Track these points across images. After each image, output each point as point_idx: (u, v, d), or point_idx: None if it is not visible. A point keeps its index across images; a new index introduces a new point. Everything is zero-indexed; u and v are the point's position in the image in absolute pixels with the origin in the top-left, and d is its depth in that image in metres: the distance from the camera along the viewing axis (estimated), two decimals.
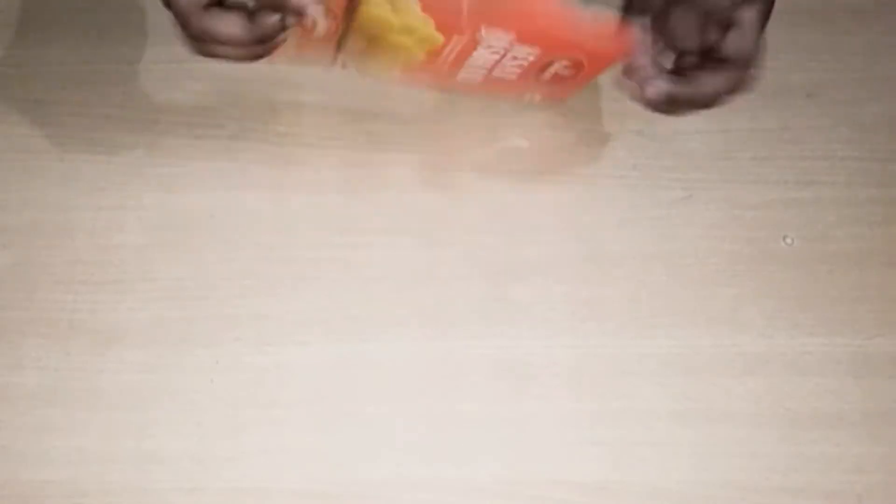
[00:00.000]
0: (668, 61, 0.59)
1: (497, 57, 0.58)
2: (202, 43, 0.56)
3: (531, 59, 0.58)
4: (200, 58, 0.74)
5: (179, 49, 0.75)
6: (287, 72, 0.74)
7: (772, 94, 0.73)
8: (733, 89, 0.57)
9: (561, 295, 0.63)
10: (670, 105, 0.58)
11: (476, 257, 0.64)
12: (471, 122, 0.70)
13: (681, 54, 0.58)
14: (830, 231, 0.66)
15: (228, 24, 0.54)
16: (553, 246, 0.65)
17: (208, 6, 0.55)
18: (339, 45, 0.59)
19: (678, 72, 0.57)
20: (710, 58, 0.56)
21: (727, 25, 0.55)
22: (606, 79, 0.74)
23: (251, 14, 0.54)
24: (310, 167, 0.68)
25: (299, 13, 0.53)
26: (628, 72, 0.57)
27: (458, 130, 0.70)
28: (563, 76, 0.61)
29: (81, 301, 0.62)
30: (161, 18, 0.77)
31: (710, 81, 0.56)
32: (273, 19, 0.54)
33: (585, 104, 0.71)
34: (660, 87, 0.57)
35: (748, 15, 0.54)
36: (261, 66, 0.74)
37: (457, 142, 0.69)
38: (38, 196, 0.67)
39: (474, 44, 0.57)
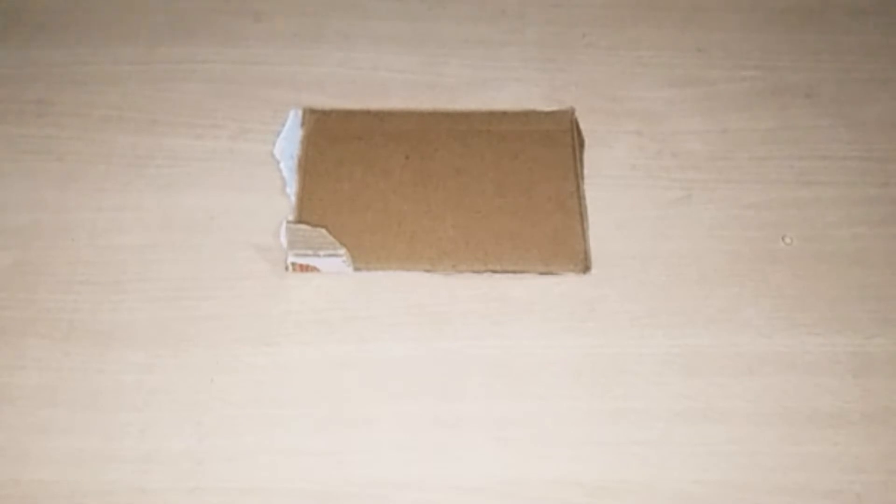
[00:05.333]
0: None
1: None
2: None
3: None
4: (200, 58, 0.75)
5: (179, 49, 0.75)
6: (287, 73, 0.74)
7: (772, 94, 0.73)
8: None
9: (561, 295, 0.63)
10: None
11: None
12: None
13: None
14: (830, 231, 0.66)
15: None
16: None
17: None
18: None
19: None
20: None
21: None
22: (606, 79, 0.74)
23: None
24: None
25: None
26: None
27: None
28: None
29: (82, 301, 0.62)
30: (161, 19, 0.77)
31: None
32: None
33: (586, 104, 0.72)
34: None
35: None
36: (261, 66, 0.75)
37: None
38: (39, 197, 0.67)
39: None
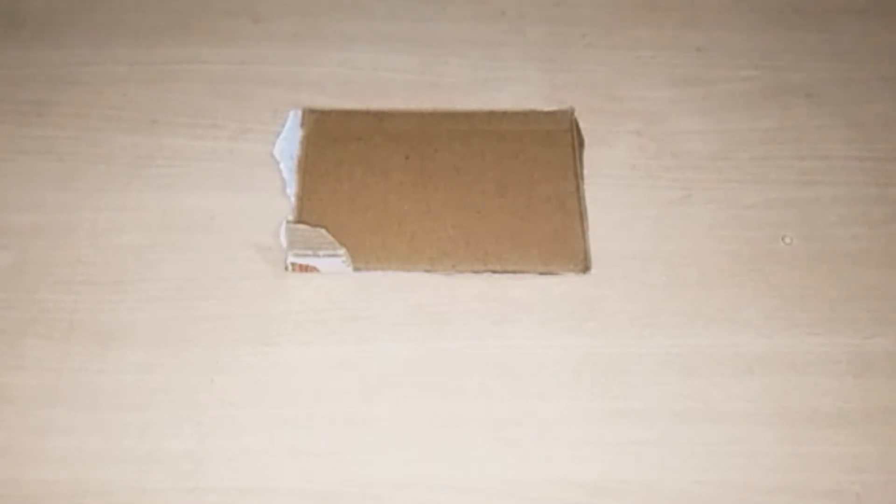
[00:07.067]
0: None
1: None
2: None
3: None
4: (200, 58, 0.75)
5: (179, 49, 0.75)
6: (287, 73, 0.74)
7: (772, 94, 0.73)
8: None
9: (561, 295, 0.63)
10: None
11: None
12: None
13: None
14: (830, 231, 0.66)
15: None
16: None
17: None
18: None
19: None
20: None
21: None
22: (606, 79, 0.74)
23: None
24: None
25: None
26: None
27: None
28: None
29: (82, 301, 0.62)
30: (161, 19, 0.77)
31: None
32: None
33: (586, 104, 0.72)
34: None
35: None
36: (261, 66, 0.75)
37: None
38: (39, 197, 0.67)
39: None
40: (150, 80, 0.73)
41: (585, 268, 0.63)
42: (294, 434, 0.58)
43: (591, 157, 0.69)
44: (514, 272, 0.63)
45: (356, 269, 0.63)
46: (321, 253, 0.62)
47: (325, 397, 0.59)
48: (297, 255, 0.63)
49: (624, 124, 0.71)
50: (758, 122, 0.71)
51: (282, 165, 0.68)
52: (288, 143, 0.69)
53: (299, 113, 0.70)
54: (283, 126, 0.70)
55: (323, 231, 0.62)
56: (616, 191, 0.68)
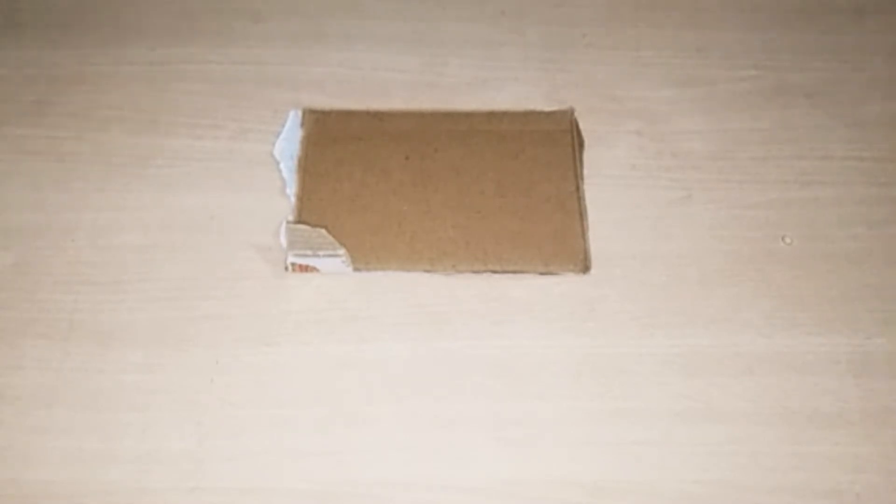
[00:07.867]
0: None
1: None
2: None
3: None
4: (200, 58, 0.75)
5: (179, 49, 0.75)
6: (287, 73, 0.74)
7: (772, 94, 0.73)
8: None
9: (561, 295, 0.63)
10: None
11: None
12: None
13: None
14: (829, 231, 0.66)
15: None
16: None
17: None
18: None
19: None
20: None
21: None
22: (606, 79, 0.74)
23: None
24: None
25: None
26: None
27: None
28: None
29: (82, 302, 0.62)
30: (161, 19, 0.77)
31: None
32: None
33: (585, 104, 0.72)
34: None
35: None
36: (261, 66, 0.75)
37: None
38: (39, 197, 0.67)
39: None
40: (151, 79, 0.73)
41: (585, 268, 0.64)
42: (294, 434, 0.58)
43: (591, 157, 0.69)
44: (514, 272, 0.63)
45: (356, 269, 0.63)
46: (321, 253, 0.62)
47: (325, 397, 0.59)
48: (297, 255, 0.63)
49: (624, 124, 0.71)
50: (758, 122, 0.71)
51: (282, 165, 0.68)
52: (288, 143, 0.69)
53: (299, 113, 0.71)
54: (283, 126, 0.70)
55: (323, 231, 0.62)
56: (616, 191, 0.68)
